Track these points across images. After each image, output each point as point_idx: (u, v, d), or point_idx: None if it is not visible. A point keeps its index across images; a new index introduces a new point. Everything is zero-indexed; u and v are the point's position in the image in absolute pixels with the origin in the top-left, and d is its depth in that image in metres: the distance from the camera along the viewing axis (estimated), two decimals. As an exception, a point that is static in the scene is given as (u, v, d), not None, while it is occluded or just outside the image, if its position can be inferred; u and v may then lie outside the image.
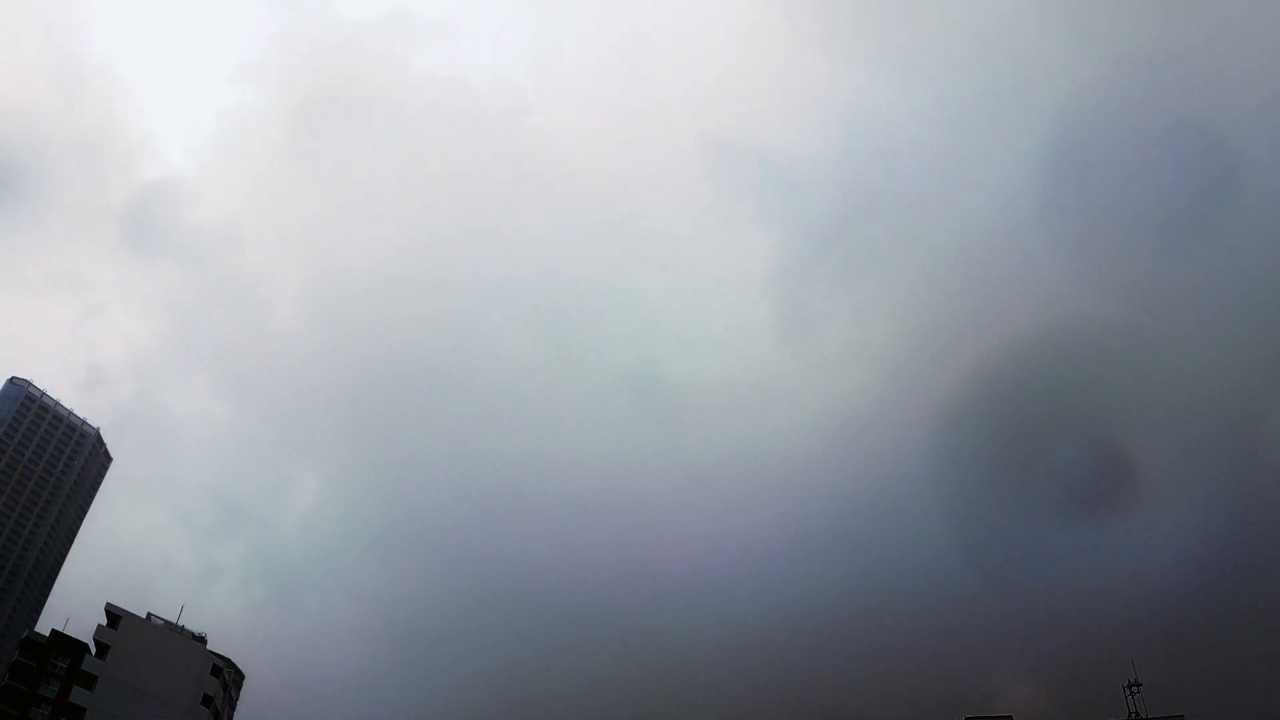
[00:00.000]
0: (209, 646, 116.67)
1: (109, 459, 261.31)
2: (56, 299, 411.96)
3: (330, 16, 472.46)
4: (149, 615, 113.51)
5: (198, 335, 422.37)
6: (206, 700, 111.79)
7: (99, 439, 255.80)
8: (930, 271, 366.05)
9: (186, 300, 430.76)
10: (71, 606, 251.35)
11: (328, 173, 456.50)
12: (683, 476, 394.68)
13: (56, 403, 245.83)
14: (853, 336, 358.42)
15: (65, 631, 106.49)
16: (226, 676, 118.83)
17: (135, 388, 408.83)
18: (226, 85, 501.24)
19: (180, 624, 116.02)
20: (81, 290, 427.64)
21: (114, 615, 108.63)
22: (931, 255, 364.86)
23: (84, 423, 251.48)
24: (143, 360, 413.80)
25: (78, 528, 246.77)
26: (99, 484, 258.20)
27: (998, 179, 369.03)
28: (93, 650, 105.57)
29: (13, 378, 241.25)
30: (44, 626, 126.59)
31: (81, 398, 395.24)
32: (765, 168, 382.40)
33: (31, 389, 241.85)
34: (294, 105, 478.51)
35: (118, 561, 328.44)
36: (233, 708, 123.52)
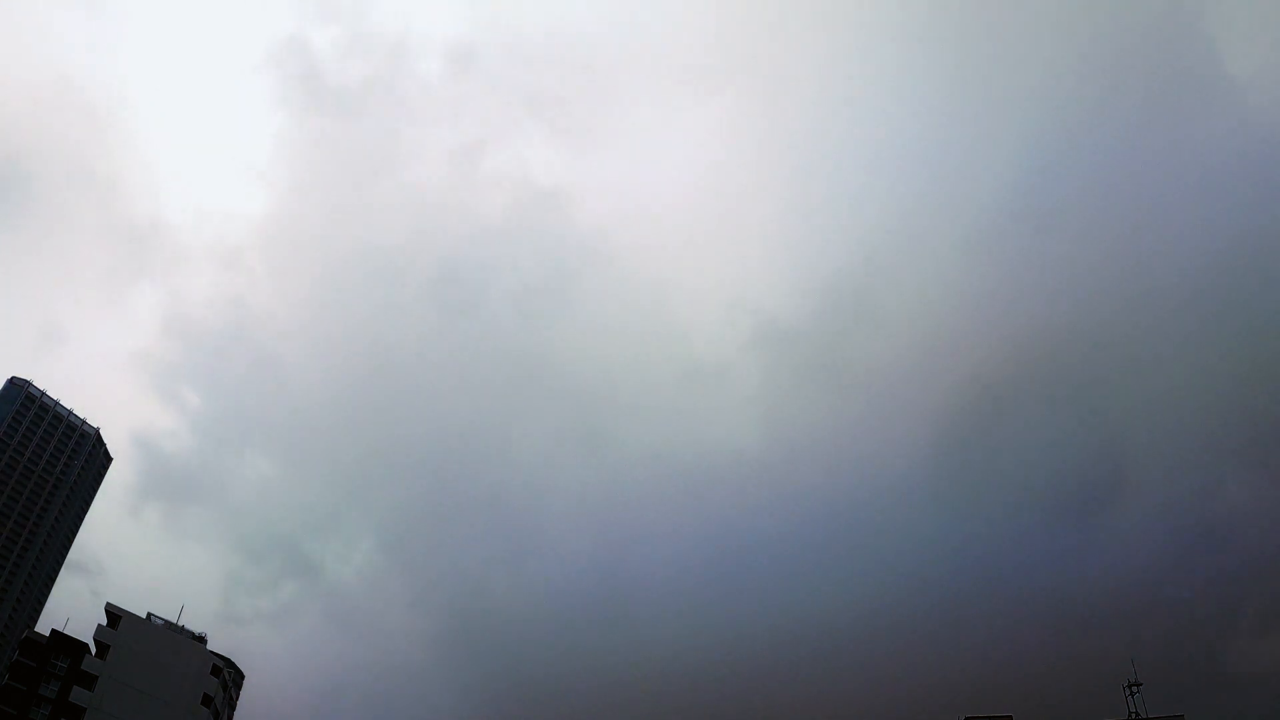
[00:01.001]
0: (209, 646, 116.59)
1: (109, 459, 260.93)
2: (125, 368, 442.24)
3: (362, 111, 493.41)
4: (149, 615, 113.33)
5: (249, 410, 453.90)
6: (206, 700, 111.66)
7: (99, 439, 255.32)
8: (919, 314, 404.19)
9: (243, 381, 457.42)
10: (71, 607, 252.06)
11: (361, 270, 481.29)
12: (680, 496, 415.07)
13: (56, 403, 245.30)
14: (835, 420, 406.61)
15: (65, 631, 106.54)
16: (226, 676, 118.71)
17: (195, 452, 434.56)
18: (262, 182, 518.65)
19: (180, 624, 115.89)
20: (148, 363, 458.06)
21: (114, 615, 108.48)
22: (913, 311, 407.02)
23: (84, 423, 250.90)
24: (201, 428, 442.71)
25: (78, 528, 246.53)
26: (99, 484, 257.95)
27: (966, 229, 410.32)
28: (93, 650, 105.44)
29: (12, 378, 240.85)
30: (44, 626, 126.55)
31: (139, 459, 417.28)
32: (758, 318, 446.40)
33: (31, 389, 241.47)
34: (326, 197, 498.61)
35: (118, 562, 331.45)
36: (233, 708, 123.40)
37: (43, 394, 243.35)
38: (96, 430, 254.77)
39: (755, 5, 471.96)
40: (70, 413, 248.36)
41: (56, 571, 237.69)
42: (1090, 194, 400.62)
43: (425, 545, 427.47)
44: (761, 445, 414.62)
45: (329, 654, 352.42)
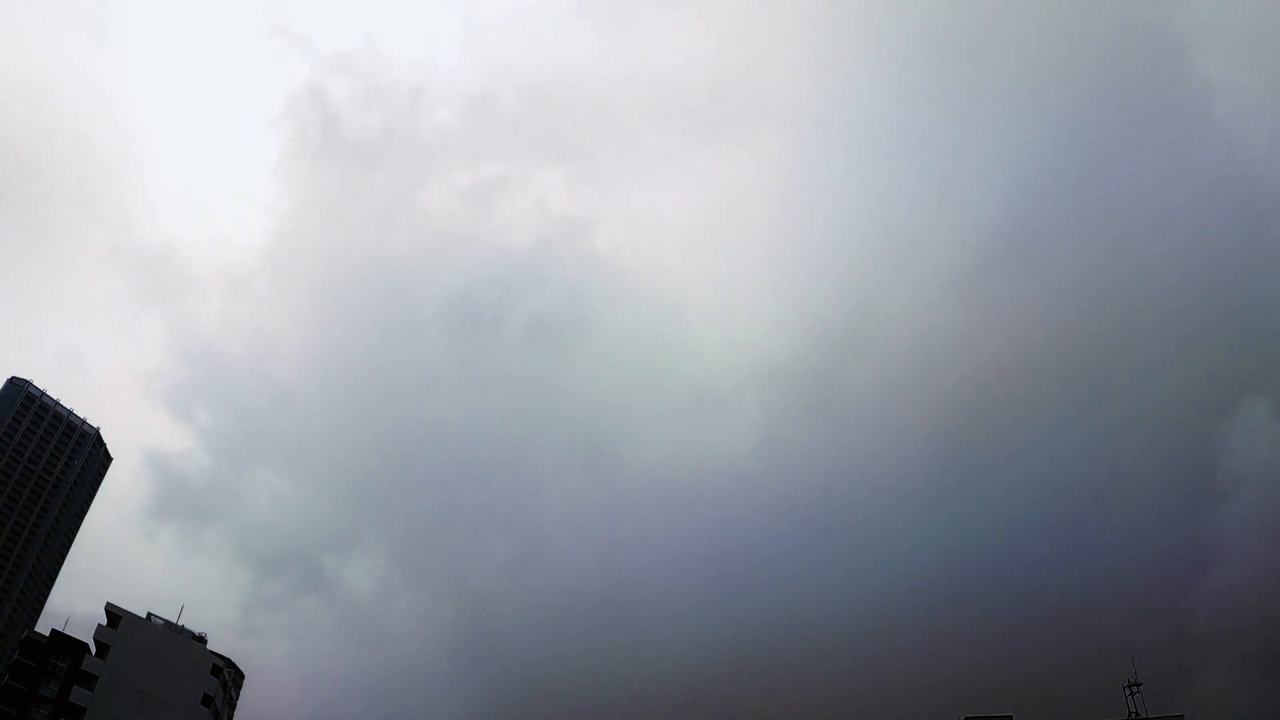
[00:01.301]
0: (209, 646, 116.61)
1: (109, 459, 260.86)
2: (138, 392, 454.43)
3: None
4: (149, 615, 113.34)
5: (262, 431, 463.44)
6: (206, 700, 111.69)
7: (99, 439, 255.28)
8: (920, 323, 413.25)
9: (256, 402, 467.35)
10: (71, 606, 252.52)
11: (372, 292, 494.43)
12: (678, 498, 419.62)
13: (56, 402, 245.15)
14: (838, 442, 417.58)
15: (65, 631, 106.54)
16: (226, 676, 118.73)
17: (209, 472, 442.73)
18: (272, 210, 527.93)
19: (180, 624, 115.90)
20: (161, 385, 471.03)
21: (114, 615, 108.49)
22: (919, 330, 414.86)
23: (84, 423, 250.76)
24: (215, 449, 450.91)
25: (78, 528, 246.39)
26: (99, 484, 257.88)
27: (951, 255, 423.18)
28: (93, 650, 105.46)
29: (12, 378, 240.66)
30: (44, 626, 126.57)
31: (154, 479, 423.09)
32: (758, 352, 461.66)
33: (31, 388, 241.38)
34: (337, 222, 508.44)
35: (118, 562, 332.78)
36: (233, 708, 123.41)
37: (43, 394, 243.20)
38: (96, 430, 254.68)
39: (753, 55, 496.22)
40: (70, 412, 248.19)
41: (56, 571, 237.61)
42: (1074, 210, 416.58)
43: (435, 556, 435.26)
44: (762, 456, 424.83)
45: (339, 662, 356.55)
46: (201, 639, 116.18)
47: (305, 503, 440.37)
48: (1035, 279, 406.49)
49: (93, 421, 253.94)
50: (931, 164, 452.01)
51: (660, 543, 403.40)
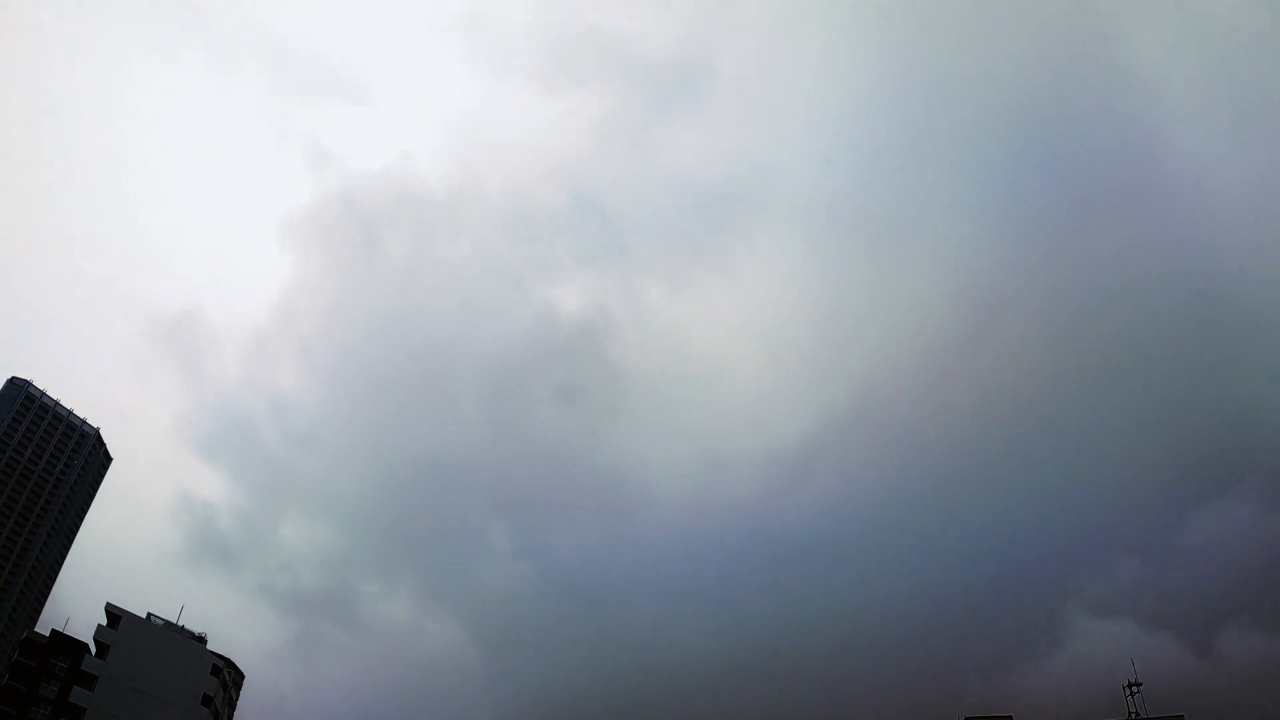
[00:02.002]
0: (209, 646, 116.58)
1: (109, 459, 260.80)
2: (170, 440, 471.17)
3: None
4: (149, 615, 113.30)
5: (292, 480, 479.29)
6: (206, 700, 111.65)
7: (99, 439, 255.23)
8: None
9: (286, 453, 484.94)
10: (71, 606, 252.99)
11: (403, 355, 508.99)
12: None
13: (56, 403, 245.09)
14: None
15: (65, 631, 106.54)
16: (226, 676, 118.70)
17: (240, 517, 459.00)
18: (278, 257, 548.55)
19: (180, 624, 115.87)
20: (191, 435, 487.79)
21: (114, 615, 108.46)
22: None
23: (84, 423, 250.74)
24: (246, 496, 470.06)
25: (78, 528, 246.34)
26: (99, 484, 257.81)
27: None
28: (93, 650, 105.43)
29: (13, 378, 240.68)
30: (44, 626, 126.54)
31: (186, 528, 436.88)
32: (766, 431, 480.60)
33: (31, 389, 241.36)
34: (364, 284, 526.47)
35: (117, 561, 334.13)
36: (233, 708, 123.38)
37: (43, 394, 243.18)
38: (96, 430, 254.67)
39: (763, 158, 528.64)
40: (70, 413, 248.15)
41: (56, 571, 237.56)
42: (1037, 291, 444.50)
43: (458, 590, 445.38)
44: (768, 497, 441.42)
45: (366, 684, 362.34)
46: (201, 639, 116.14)
47: (335, 546, 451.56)
48: (1003, 355, 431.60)
49: (94, 422, 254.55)
50: (914, 258, 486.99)
51: (667, 552, 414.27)
